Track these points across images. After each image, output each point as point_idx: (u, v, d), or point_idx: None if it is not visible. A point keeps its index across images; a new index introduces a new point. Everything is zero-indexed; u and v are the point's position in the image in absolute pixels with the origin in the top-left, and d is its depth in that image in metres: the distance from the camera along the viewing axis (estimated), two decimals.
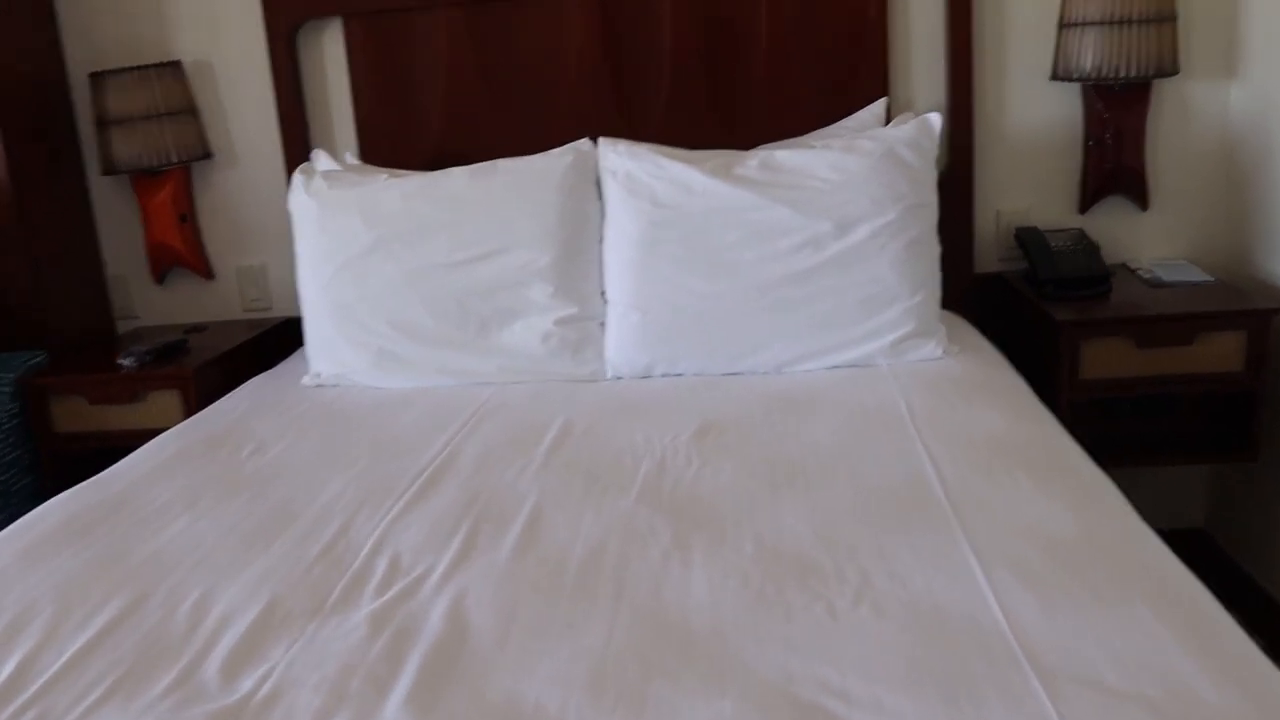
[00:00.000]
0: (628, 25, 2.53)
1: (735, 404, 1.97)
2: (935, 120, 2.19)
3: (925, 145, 2.17)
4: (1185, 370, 2.22)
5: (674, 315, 2.17)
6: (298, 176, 2.34)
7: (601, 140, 2.28)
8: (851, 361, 2.13)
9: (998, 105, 2.55)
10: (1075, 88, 2.52)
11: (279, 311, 2.79)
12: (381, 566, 1.44)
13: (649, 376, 2.19)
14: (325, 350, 2.28)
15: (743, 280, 2.13)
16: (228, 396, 2.26)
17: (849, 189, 2.12)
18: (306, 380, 2.29)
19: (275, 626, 1.31)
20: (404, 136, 2.63)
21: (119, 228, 2.80)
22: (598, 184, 2.26)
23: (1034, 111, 2.56)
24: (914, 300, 2.12)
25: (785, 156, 2.17)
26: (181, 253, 2.74)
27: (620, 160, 2.23)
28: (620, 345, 2.20)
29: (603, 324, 2.24)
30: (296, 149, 2.63)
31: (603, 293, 2.25)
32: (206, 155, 2.70)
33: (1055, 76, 2.47)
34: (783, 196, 2.13)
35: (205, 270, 2.79)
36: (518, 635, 1.24)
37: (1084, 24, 2.38)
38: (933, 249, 2.17)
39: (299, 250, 2.33)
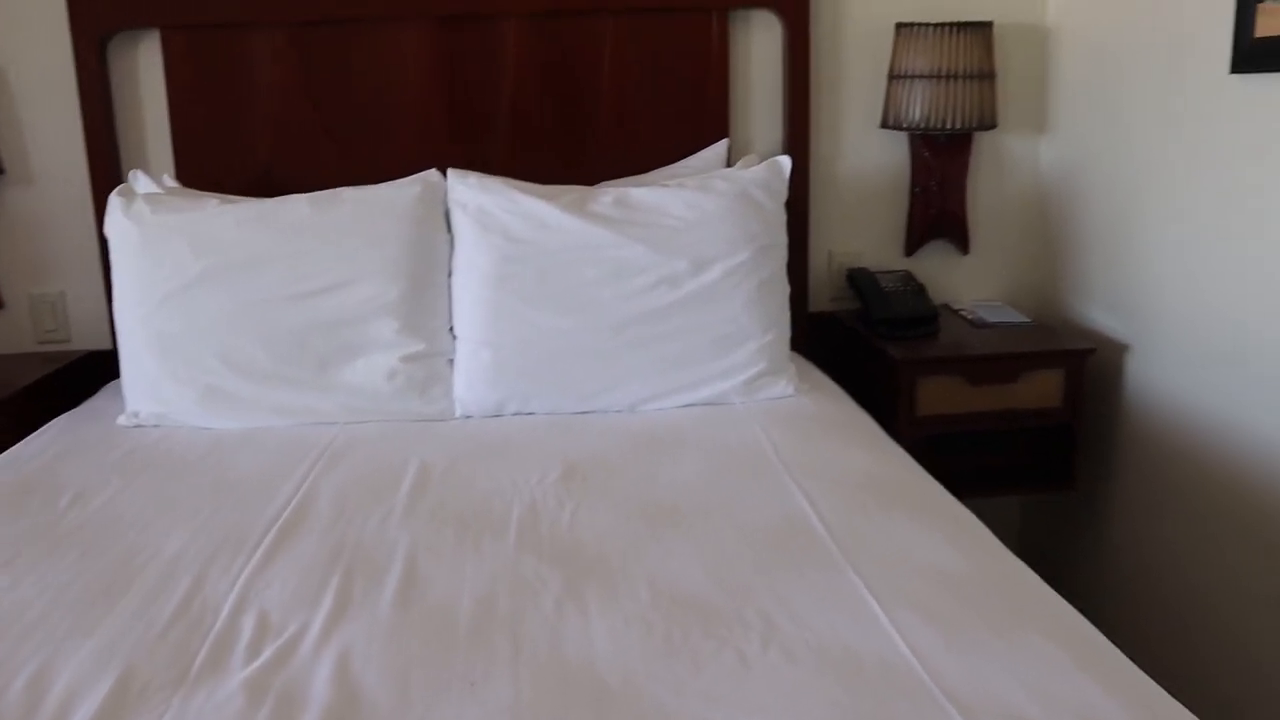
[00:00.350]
0: (469, 58, 2.48)
1: (597, 443, 1.93)
2: (785, 163, 2.24)
3: (776, 187, 2.21)
4: (1010, 406, 2.35)
5: (527, 352, 2.11)
6: (115, 198, 2.15)
7: (451, 172, 2.21)
8: (705, 399, 2.13)
9: (832, 150, 2.64)
10: (903, 136, 2.64)
11: (80, 344, 2.55)
12: (248, 627, 1.32)
13: (500, 415, 2.13)
14: (145, 387, 2.10)
15: (598, 317, 2.10)
16: (29, 440, 2.04)
17: (704, 228, 2.13)
18: (123, 420, 2.10)
19: (133, 702, 1.17)
20: (226, 159, 2.47)
21: None
22: (446, 216, 2.19)
23: (865, 158, 2.66)
24: (766, 339, 2.15)
25: (641, 194, 2.17)
26: None
27: (471, 193, 2.16)
28: (470, 383, 2.13)
29: (451, 361, 2.16)
30: (104, 168, 2.42)
31: (451, 329, 2.17)
32: None
33: (885, 125, 2.58)
34: (639, 234, 2.12)
35: None
36: (418, 697, 1.16)
37: (912, 77, 2.50)
38: (783, 288, 2.21)
39: (116, 279, 2.14)
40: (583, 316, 2.10)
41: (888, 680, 1.16)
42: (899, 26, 2.53)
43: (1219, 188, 2.07)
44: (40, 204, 2.50)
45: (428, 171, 2.23)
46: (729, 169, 2.32)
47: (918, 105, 2.49)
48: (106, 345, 2.38)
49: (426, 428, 2.07)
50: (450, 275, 2.17)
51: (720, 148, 2.51)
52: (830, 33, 2.59)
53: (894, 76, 2.55)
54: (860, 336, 2.50)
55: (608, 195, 2.17)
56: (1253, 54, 1.96)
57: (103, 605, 1.38)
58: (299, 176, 2.36)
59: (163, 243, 2.09)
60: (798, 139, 2.57)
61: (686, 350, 2.12)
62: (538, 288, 2.11)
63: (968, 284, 2.73)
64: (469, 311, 2.14)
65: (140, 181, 2.27)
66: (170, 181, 2.35)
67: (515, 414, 2.13)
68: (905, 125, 2.53)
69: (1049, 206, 2.67)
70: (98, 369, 2.43)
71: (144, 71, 2.46)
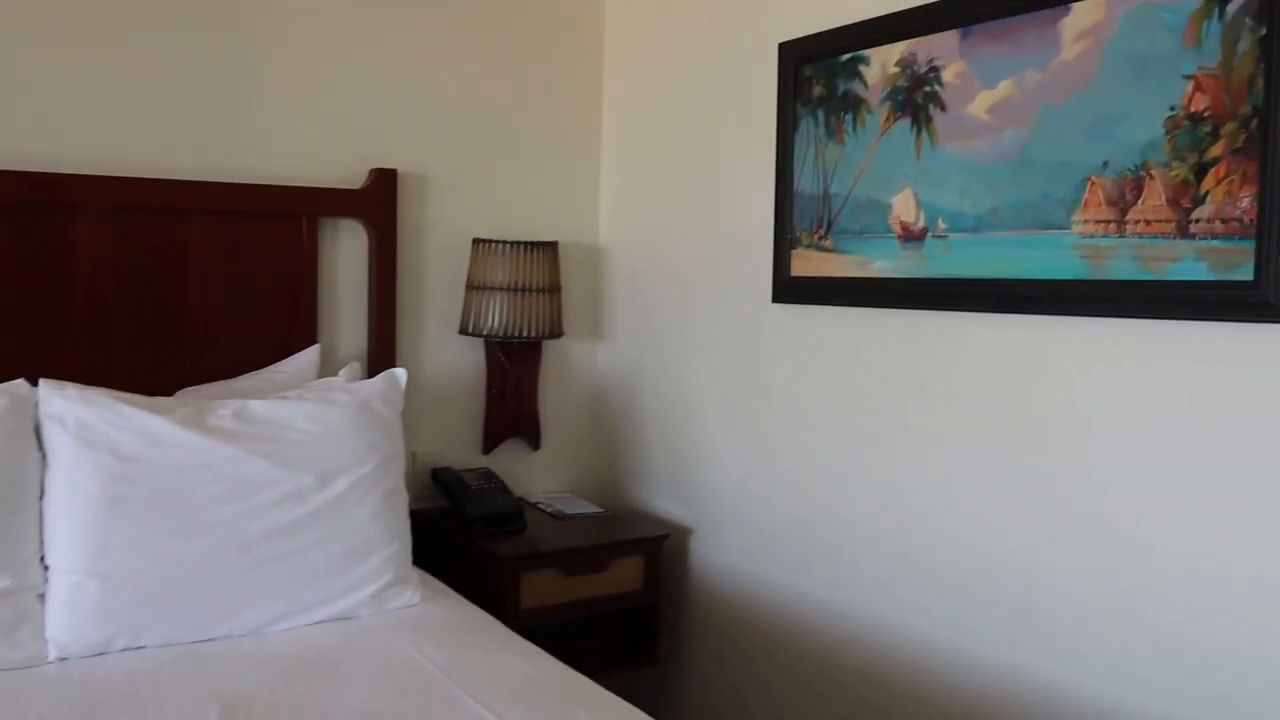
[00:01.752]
0: (37, 253, 2.26)
1: (245, 677, 1.80)
2: (401, 375, 2.31)
3: (394, 398, 2.27)
4: (601, 593, 2.56)
5: (140, 581, 1.93)
6: None
7: (44, 383, 1.99)
8: (334, 615, 2.08)
9: (414, 355, 2.75)
10: (480, 342, 2.83)
11: None
12: None
13: (105, 653, 1.90)
14: None
15: (221, 538, 1.99)
16: None
17: (329, 441, 2.12)
18: None
19: None
20: None
21: None
22: (37, 432, 1.96)
23: (445, 362, 2.80)
24: (392, 549, 2.17)
25: (261, 407, 2.11)
26: None
27: (69, 406, 1.96)
28: (70, 621, 1.89)
29: (42, 596, 1.90)
30: None
31: (43, 559, 1.92)
32: None
33: (464, 331, 2.75)
34: (262, 448, 2.06)
35: None
36: None
37: (490, 288, 2.70)
38: (404, 497, 2.25)
39: None
40: (204, 539, 1.98)
41: None
42: (476, 241, 2.74)
43: (761, 394, 2.50)
44: None
45: (13, 382, 1.98)
46: (354, 383, 2.32)
47: (495, 315, 2.70)
48: None
49: (14, 678, 1.79)
50: (41, 498, 1.94)
51: (312, 353, 2.52)
52: (414, 243, 2.73)
53: (472, 287, 2.74)
54: (454, 534, 2.59)
55: (226, 408, 2.09)
56: (788, 288, 2.42)
57: None
58: None
59: None
60: (384, 344, 2.65)
61: (315, 566, 2.07)
62: (153, 510, 1.95)
63: (540, 477, 2.94)
64: (69, 539, 1.91)
65: None
66: None
67: (123, 650, 1.92)
68: (484, 333, 2.72)
69: (606, 406, 2.99)
70: None
71: None
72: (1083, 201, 1.85)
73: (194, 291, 2.44)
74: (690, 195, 2.73)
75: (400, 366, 2.66)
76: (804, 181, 2.37)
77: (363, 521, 2.13)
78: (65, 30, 2.30)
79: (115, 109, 2.36)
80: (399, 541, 2.20)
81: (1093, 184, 1.83)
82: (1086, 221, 1.85)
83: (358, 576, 2.11)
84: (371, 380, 2.29)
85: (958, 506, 2.07)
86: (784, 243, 2.41)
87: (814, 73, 2.35)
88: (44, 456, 1.96)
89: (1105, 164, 1.82)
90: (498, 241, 2.71)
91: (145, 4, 2.38)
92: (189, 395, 2.32)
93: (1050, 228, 1.90)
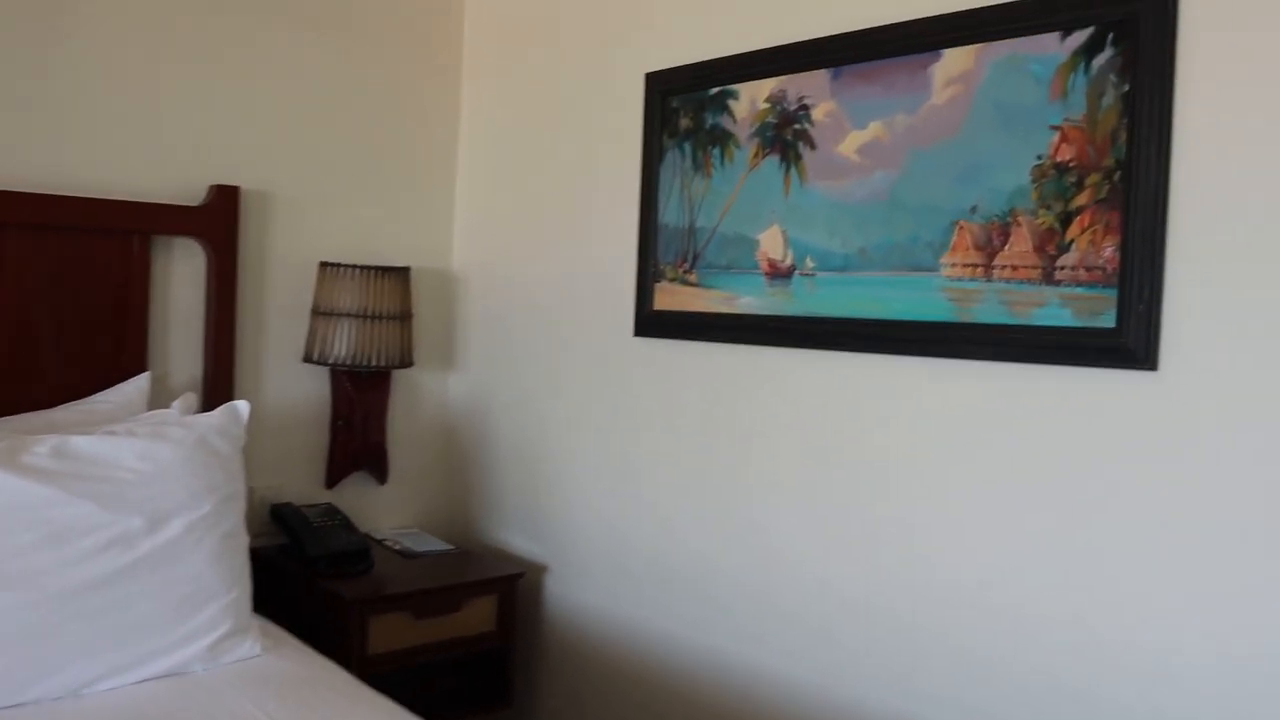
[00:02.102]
0: None
1: None
2: (244, 408, 2.14)
3: (234, 433, 2.11)
4: (453, 635, 2.45)
5: None
6: None
7: None
8: (166, 671, 1.90)
9: (253, 384, 2.58)
10: (325, 371, 2.68)
11: None
12: None
13: None
14: None
15: (37, 591, 1.79)
16: None
17: (162, 480, 1.95)
18: None
19: None
20: None
21: None
22: None
23: (287, 391, 2.64)
24: (230, 596, 2.00)
25: (85, 444, 1.92)
26: None
27: None
28: None
29: None
30: None
31: None
32: None
33: (309, 360, 2.60)
34: (86, 489, 1.87)
35: None
36: None
37: (337, 315, 2.56)
38: (244, 540, 2.09)
39: None
40: (16, 591, 1.77)
41: None
42: (323, 265, 2.59)
43: (622, 427, 2.45)
44: None
45: None
46: (189, 416, 2.14)
47: (342, 342, 2.56)
48: None
49: None
50: None
51: (141, 382, 2.32)
52: (255, 265, 2.57)
53: (318, 313, 2.59)
54: (295, 575, 2.43)
55: (43, 445, 1.89)
56: (650, 322, 2.38)
57: None
58: None
59: None
60: (221, 372, 2.48)
61: (144, 617, 1.89)
62: None
63: (386, 513, 2.80)
64: None
65: None
66: None
67: None
68: (330, 361, 2.57)
69: (458, 438, 2.88)
70: None
71: None
72: (951, 245, 1.87)
73: (5, 311, 2.21)
74: (551, 223, 2.66)
75: (239, 396, 2.50)
76: (669, 214, 2.33)
77: (198, 567, 1.96)
78: None
79: None
80: (238, 588, 2.03)
81: (961, 228, 1.86)
82: (954, 265, 1.87)
83: (192, 628, 1.94)
84: (210, 414, 2.12)
85: (808, 545, 2.06)
86: (647, 275, 2.37)
87: (681, 105, 2.32)
88: None
89: (974, 209, 1.84)
90: (346, 265, 2.58)
91: None
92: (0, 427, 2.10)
93: (919, 269, 1.91)
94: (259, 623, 2.14)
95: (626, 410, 2.44)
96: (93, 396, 2.27)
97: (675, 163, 2.33)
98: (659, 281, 2.35)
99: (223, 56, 2.50)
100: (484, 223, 2.86)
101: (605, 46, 2.52)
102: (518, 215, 2.75)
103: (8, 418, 2.15)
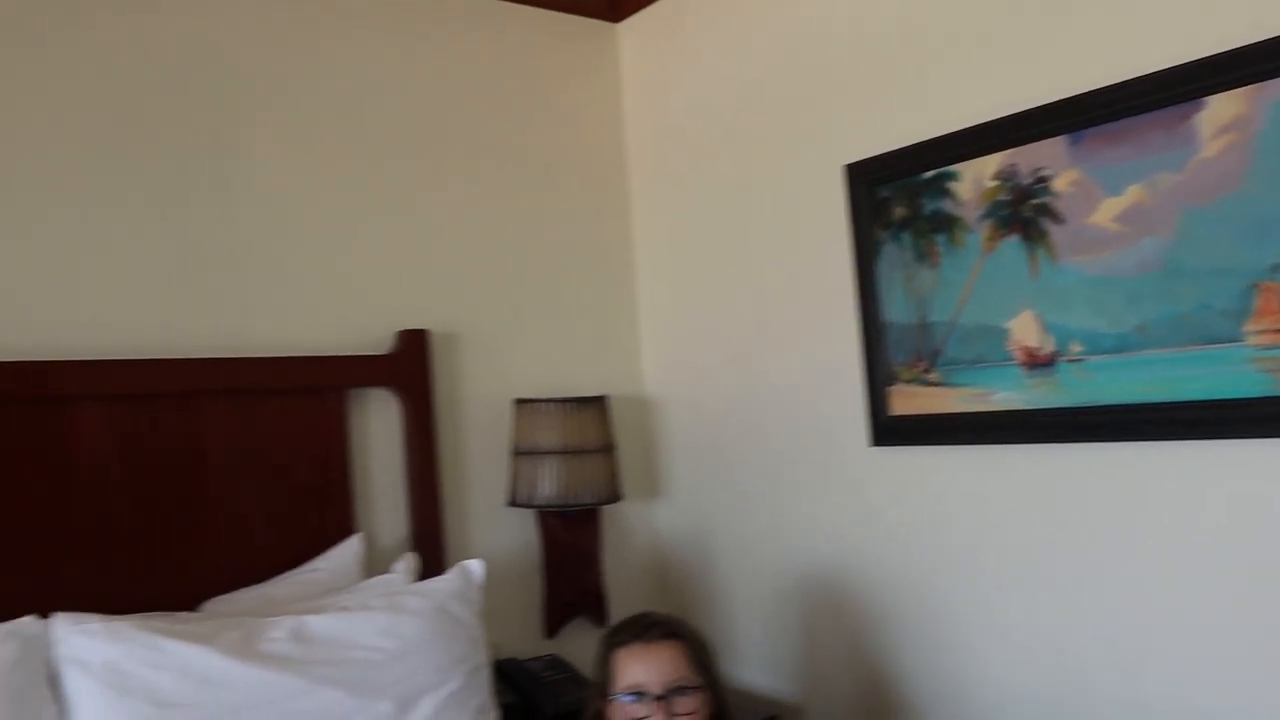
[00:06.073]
0: (28, 452, 1.94)
1: None
2: (477, 568, 2.01)
3: (472, 596, 1.97)
4: None
5: None
6: None
7: (58, 618, 1.66)
8: None
9: (460, 534, 2.45)
10: (531, 513, 2.53)
11: None
12: None
13: None
14: None
15: None
16: None
17: (408, 658, 1.81)
18: None
19: None
20: None
21: None
22: (52, 679, 1.63)
23: (496, 538, 2.50)
24: None
25: (322, 624, 1.80)
26: None
27: (94, 645, 1.64)
28: None
29: None
30: None
31: None
32: None
33: (514, 503, 2.46)
34: (329, 675, 1.74)
35: None
36: None
37: (539, 453, 2.43)
38: (492, 714, 1.92)
39: None
40: None
41: None
42: (519, 402, 2.48)
43: (871, 545, 2.23)
44: None
45: (19, 621, 1.66)
46: (420, 582, 2.01)
47: (548, 481, 2.42)
48: None
49: None
50: None
51: (354, 545, 2.20)
52: (448, 409, 2.46)
53: (519, 453, 2.47)
54: None
55: (280, 629, 1.77)
56: (889, 428, 2.18)
57: None
58: None
59: None
60: (428, 526, 2.35)
61: None
62: None
63: None
64: None
65: None
66: None
67: None
68: (537, 503, 2.43)
69: (674, 572, 2.70)
70: None
71: None
72: (1254, 310, 1.65)
73: (210, 483, 2.12)
74: (743, 335, 2.50)
75: (448, 549, 2.37)
76: (893, 311, 2.15)
77: None
78: (48, 206, 2.05)
79: (106, 286, 2.08)
80: None
81: (1264, 289, 1.63)
82: (1263, 331, 1.64)
83: None
84: (443, 578, 1.98)
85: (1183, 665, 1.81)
86: (878, 379, 2.18)
87: (893, 193, 2.16)
88: (61, 710, 1.62)
89: (1275, 267, 1.62)
90: (542, 400, 2.45)
91: (134, 170, 2.14)
92: (218, 608, 1.99)
93: (1216, 341, 1.69)
94: None
95: (869, 527, 2.23)
96: (306, 565, 2.15)
97: (893, 255, 2.16)
98: (893, 384, 2.16)
99: (400, 205, 2.45)
100: (672, 343, 2.73)
101: (794, 144, 2.38)
102: (707, 331, 2.61)
103: (225, 595, 2.05)
